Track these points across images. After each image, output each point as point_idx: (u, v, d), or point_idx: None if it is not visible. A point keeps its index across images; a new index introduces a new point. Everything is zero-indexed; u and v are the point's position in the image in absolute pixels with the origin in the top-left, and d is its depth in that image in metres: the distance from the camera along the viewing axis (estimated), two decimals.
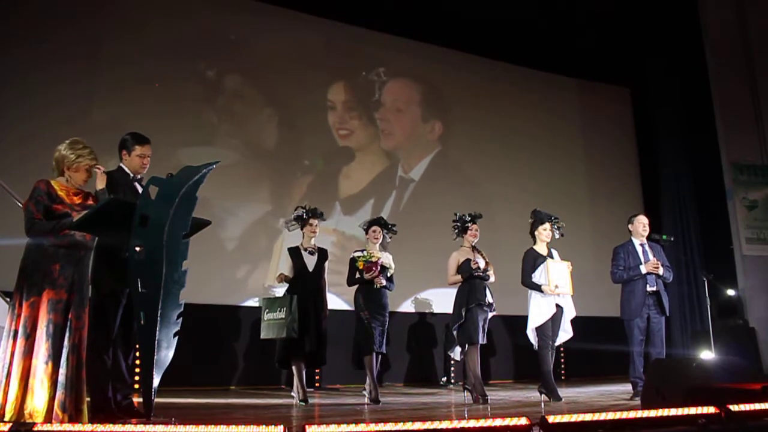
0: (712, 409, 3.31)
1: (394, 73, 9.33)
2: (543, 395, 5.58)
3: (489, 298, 5.66)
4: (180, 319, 3.44)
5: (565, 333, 5.67)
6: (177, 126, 7.62)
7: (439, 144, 9.49)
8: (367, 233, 5.95)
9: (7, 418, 3.14)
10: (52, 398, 3.24)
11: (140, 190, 4.00)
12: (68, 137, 3.69)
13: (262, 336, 5.55)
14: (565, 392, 6.26)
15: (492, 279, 5.77)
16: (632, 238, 6.15)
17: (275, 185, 8.28)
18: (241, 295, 7.71)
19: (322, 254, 5.82)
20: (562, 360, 9.06)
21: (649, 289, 5.90)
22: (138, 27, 7.62)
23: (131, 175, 4.06)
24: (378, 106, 9.12)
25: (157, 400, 3.43)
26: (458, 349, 5.65)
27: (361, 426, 2.75)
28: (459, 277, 5.73)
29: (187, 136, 7.73)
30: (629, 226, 6.22)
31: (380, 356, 5.82)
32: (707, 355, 6.93)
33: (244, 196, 8.04)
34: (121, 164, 4.09)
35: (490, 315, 5.71)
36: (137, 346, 3.79)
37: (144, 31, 7.65)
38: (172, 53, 7.75)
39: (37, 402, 3.21)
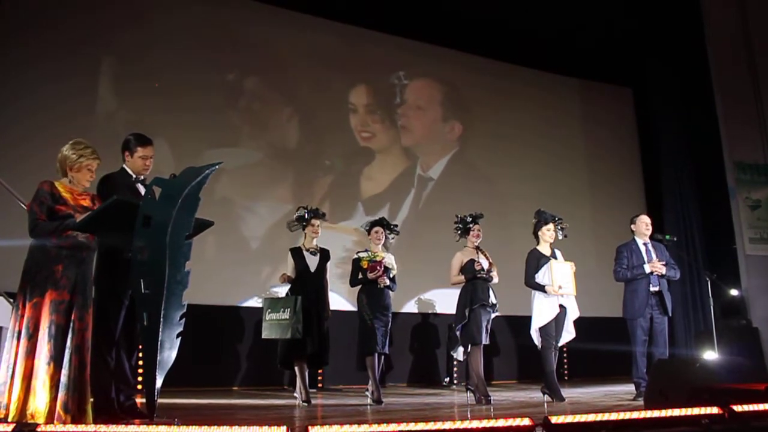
0: (715, 410, 3.30)
1: (416, 73, 9.41)
2: (546, 396, 5.58)
3: (492, 299, 5.65)
4: (183, 320, 3.44)
5: (568, 334, 5.66)
6: (200, 127, 7.72)
7: (457, 144, 9.55)
8: (369, 234, 5.95)
9: (9, 419, 3.15)
10: (53, 399, 3.24)
11: (142, 191, 4.00)
12: (76, 138, 3.70)
13: (264, 336, 5.55)
14: (568, 392, 6.25)
15: (495, 280, 5.76)
16: (635, 238, 6.15)
17: (297, 185, 8.33)
18: (249, 294, 7.72)
19: (324, 255, 5.83)
20: (565, 360, 9.06)
21: (652, 288, 5.90)
22: (160, 28, 7.69)
23: (133, 176, 4.06)
24: (399, 105, 9.19)
25: (159, 400, 3.43)
26: (461, 349, 5.64)
27: (364, 427, 2.75)
28: (461, 278, 5.73)
29: (210, 137, 7.80)
30: (632, 225, 6.22)
31: (383, 357, 5.82)
32: (710, 355, 6.90)
33: (265, 196, 8.10)
34: (124, 165, 4.09)
35: (493, 315, 5.70)
36: (140, 346, 3.80)
37: (167, 32, 7.72)
38: (194, 55, 7.84)
39: (39, 403, 3.21)
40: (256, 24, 8.38)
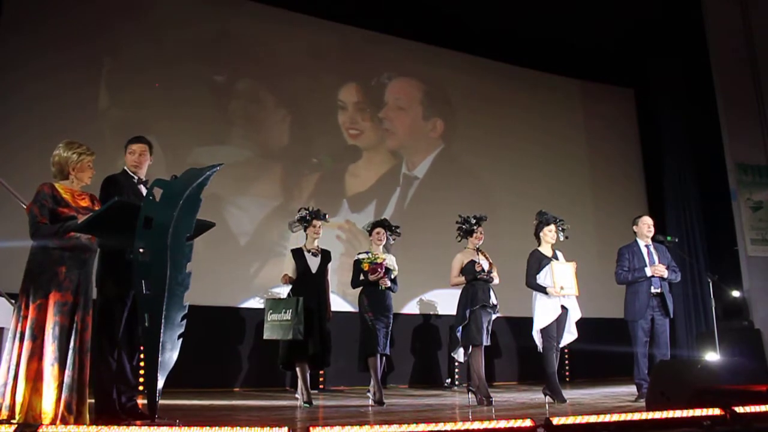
0: (717, 411, 3.30)
1: (397, 72, 9.38)
2: (547, 397, 5.57)
3: (493, 300, 5.65)
4: (184, 321, 3.44)
5: (570, 335, 5.66)
6: (190, 126, 7.73)
7: (441, 142, 9.51)
8: (370, 235, 5.95)
9: (15, 420, 3.15)
10: (58, 400, 3.25)
11: (144, 192, 4.01)
12: (66, 139, 3.70)
13: (266, 337, 5.54)
14: (570, 394, 6.25)
15: (496, 281, 5.75)
16: (637, 239, 6.14)
17: (285, 182, 8.32)
18: (250, 294, 7.72)
19: (326, 255, 5.83)
20: (567, 361, 9.05)
21: (653, 290, 5.89)
22: (153, 30, 7.71)
23: (135, 177, 4.07)
24: (381, 106, 9.17)
25: (161, 401, 3.43)
26: (461, 350, 5.64)
27: (365, 428, 2.75)
28: (462, 279, 5.72)
29: (199, 134, 7.83)
30: (634, 227, 6.21)
31: (384, 358, 5.82)
32: (712, 356, 6.90)
33: (253, 192, 8.09)
34: (126, 167, 4.11)
35: (494, 317, 5.70)
36: (141, 348, 3.80)
37: (158, 33, 7.74)
38: (186, 56, 7.85)
39: (46, 404, 3.22)
40: (248, 21, 8.37)
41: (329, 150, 8.71)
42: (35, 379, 3.24)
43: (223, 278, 7.43)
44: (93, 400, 3.57)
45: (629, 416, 3.17)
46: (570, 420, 3.04)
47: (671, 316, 5.97)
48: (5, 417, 3.17)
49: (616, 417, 3.14)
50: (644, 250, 6.05)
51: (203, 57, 7.98)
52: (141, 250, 3.36)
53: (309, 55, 8.70)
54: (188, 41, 7.90)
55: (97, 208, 3.58)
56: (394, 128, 9.19)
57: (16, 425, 2.86)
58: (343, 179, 8.71)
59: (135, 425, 3.45)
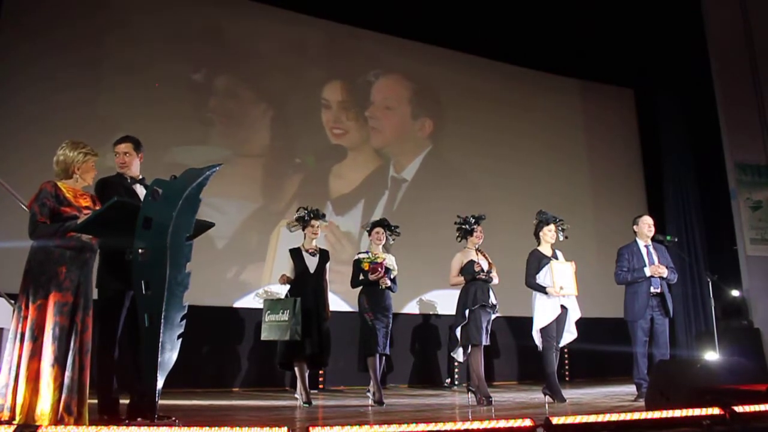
0: (716, 411, 3.30)
1: (385, 70, 9.28)
2: (547, 396, 5.58)
3: (492, 300, 5.65)
4: (183, 321, 3.44)
5: (570, 334, 5.67)
6: (168, 124, 7.61)
7: (430, 142, 9.41)
8: (370, 234, 5.95)
9: (16, 421, 3.14)
10: (58, 401, 3.24)
11: (140, 191, 4.01)
12: (70, 139, 3.70)
13: (263, 337, 5.55)
14: (569, 393, 6.25)
15: (496, 281, 5.75)
16: (637, 239, 6.13)
17: (266, 183, 8.21)
18: (240, 296, 7.67)
19: (324, 255, 5.83)
20: (566, 361, 9.05)
21: (653, 290, 5.89)
22: (135, 26, 7.64)
23: (128, 178, 4.07)
24: (368, 105, 9.08)
25: (160, 401, 3.43)
26: (461, 350, 5.64)
27: (365, 428, 2.75)
28: (461, 279, 5.72)
29: (178, 133, 7.72)
30: (634, 227, 6.21)
31: (384, 358, 5.82)
32: (712, 356, 6.90)
33: (234, 194, 7.92)
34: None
35: (493, 316, 5.70)
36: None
37: (141, 30, 7.67)
38: (165, 52, 7.77)
39: (44, 405, 3.21)
40: (229, 18, 8.29)
41: (312, 150, 8.58)
42: (35, 379, 3.23)
43: (211, 278, 7.31)
44: (93, 401, 3.57)
45: (629, 416, 3.17)
46: (569, 420, 3.04)
47: (671, 315, 5.97)
48: (6, 418, 3.17)
49: (615, 417, 3.14)
50: (644, 251, 6.05)
51: (182, 53, 7.88)
52: (140, 251, 3.36)
53: (292, 52, 8.57)
54: (168, 37, 7.79)
55: (97, 208, 3.57)
56: (381, 127, 9.05)
57: (15, 426, 2.85)
58: (327, 180, 8.57)
59: (135, 425, 3.44)
